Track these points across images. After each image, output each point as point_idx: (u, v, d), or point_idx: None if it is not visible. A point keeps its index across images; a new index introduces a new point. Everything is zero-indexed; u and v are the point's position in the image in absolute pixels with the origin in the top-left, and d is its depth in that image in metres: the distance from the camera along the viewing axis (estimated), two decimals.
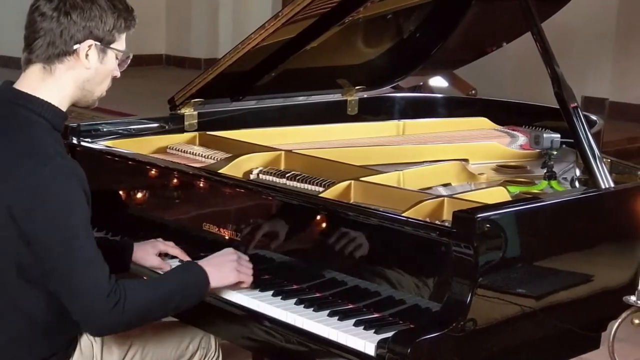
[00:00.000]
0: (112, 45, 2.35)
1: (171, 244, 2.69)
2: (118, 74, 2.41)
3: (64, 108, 2.36)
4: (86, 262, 2.21)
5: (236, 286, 2.47)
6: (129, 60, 2.42)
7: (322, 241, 2.47)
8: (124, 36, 2.38)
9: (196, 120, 3.33)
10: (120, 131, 3.21)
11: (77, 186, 2.24)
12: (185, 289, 2.38)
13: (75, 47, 2.29)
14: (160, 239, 2.70)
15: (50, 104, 2.31)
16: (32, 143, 2.26)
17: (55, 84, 2.32)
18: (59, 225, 2.20)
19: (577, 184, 2.76)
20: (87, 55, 2.31)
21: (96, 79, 2.36)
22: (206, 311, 2.52)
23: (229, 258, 2.48)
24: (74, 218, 2.22)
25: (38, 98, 2.31)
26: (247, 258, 2.52)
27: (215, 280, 2.41)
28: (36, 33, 2.29)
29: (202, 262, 2.45)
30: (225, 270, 2.44)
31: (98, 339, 2.51)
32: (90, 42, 2.30)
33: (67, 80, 2.32)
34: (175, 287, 2.37)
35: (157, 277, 2.56)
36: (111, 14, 2.32)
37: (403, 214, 2.35)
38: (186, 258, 2.64)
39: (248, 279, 2.47)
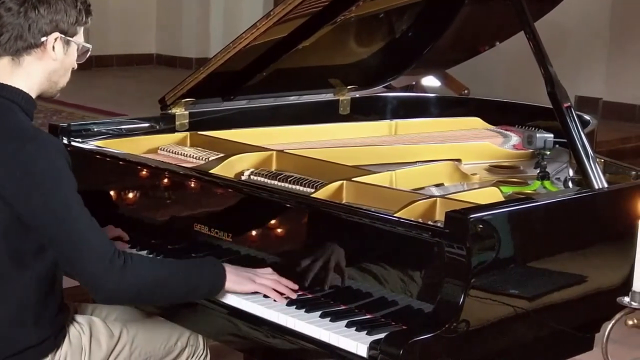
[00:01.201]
0: (74, 38, 2.44)
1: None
2: (76, 66, 2.49)
3: (33, 97, 2.44)
4: (84, 229, 2.29)
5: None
6: (88, 54, 2.51)
7: (314, 242, 2.45)
8: (82, 30, 2.47)
9: (187, 120, 3.32)
10: (110, 131, 3.20)
11: (61, 158, 2.32)
12: (198, 278, 2.42)
13: (42, 39, 2.38)
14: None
15: (23, 91, 2.40)
16: (13, 126, 2.34)
17: (24, 75, 2.40)
18: (52, 198, 2.28)
19: (570, 184, 2.75)
20: (53, 47, 2.40)
21: (61, 71, 2.45)
22: (199, 311, 2.51)
23: (249, 269, 2.49)
24: (64, 189, 2.30)
25: (11, 86, 2.39)
26: (269, 270, 2.50)
27: (231, 282, 2.43)
28: (3, 27, 2.37)
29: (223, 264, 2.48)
30: (243, 276, 2.45)
31: (86, 330, 2.54)
32: (56, 34, 2.40)
33: (35, 71, 2.41)
34: (185, 270, 2.43)
35: (171, 259, 2.61)
36: (74, 8, 2.41)
37: (395, 215, 2.34)
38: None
39: (267, 290, 2.43)
